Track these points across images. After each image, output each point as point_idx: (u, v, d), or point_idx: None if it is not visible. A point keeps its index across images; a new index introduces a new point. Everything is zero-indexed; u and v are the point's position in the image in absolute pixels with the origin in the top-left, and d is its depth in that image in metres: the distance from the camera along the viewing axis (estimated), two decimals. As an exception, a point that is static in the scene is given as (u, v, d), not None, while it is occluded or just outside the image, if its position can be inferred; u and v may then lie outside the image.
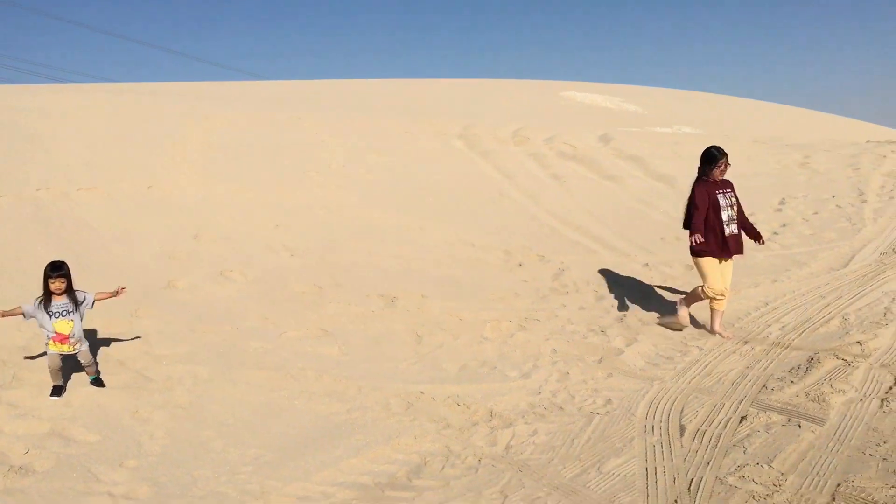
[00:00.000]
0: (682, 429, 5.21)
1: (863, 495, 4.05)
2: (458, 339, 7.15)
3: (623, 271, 9.38)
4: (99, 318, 6.62)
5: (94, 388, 5.67)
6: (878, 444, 4.69)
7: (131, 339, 6.54)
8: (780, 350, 6.71)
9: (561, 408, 5.73)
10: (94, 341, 6.29)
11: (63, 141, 11.58)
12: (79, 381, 5.76)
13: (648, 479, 4.52)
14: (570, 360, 6.73)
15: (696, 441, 4.99)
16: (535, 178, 13.73)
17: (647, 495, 4.32)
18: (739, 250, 7.47)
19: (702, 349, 6.94)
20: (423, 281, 8.66)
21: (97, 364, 5.85)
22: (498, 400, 5.86)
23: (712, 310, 7.37)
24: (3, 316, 5.48)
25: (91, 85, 34.31)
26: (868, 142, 20.35)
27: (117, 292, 5.84)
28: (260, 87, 35.66)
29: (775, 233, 11.33)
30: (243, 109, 18.13)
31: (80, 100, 16.85)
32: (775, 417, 5.25)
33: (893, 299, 7.92)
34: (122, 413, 5.36)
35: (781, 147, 18.85)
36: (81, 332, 5.65)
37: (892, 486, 4.09)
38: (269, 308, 7.58)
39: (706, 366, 6.49)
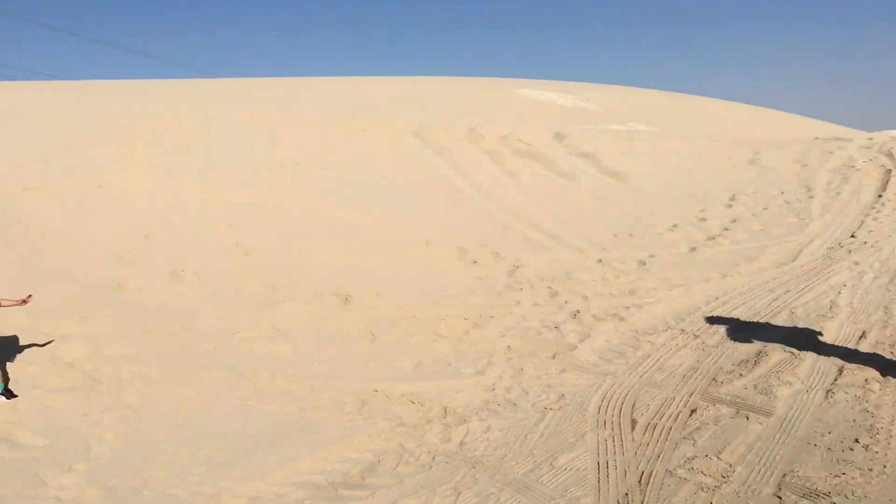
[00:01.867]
0: (634, 423, 5.27)
1: (807, 485, 4.14)
2: (412, 337, 7.14)
3: (577, 267, 9.46)
4: (47, 321, 6.48)
5: (35, 391, 5.52)
6: (823, 435, 4.79)
7: (80, 341, 6.41)
8: (730, 343, 6.82)
9: (515, 404, 5.76)
10: (42, 344, 6.16)
11: (9, 140, 11.31)
12: (26, 383, 5.63)
13: (600, 472, 4.57)
14: (524, 356, 6.77)
15: (647, 434, 5.06)
16: (490, 175, 13.77)
17: (599, 489, 4.37)
18: None
19: (653, 344, 7.03)
20: (378, 279, 8.64)
21: (7, 374, 5.61)
22: (452, 397, 5.87)
23: None
24: None
25: (38, 82, 33.52)
26: (816, 138, 20.77)
27: (25, 301, 5.61)
28: (212, 85, 35.13)
29: (726, 228, 11.52)
30: (194, 107, 17.88)
31: (26, 97, 16.46)
32: (724, 410, 5.34)
33: (839, 293, 8.10)
34: (71, 416, 5.26)
35: (732, 144, 19.17)
36: None
37: (836, 476, 4.19)
38: (222, 308, 7.49)
39: (658, 360, 6.58)
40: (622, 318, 7.80)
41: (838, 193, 13.53)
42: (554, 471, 4.63)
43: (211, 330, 6.97)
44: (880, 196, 13.22)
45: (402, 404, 5.70)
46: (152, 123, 13.85)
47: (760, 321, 7.39)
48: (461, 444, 5.09)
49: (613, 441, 4.99)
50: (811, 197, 13.38)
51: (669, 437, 4.96)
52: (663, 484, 4.36)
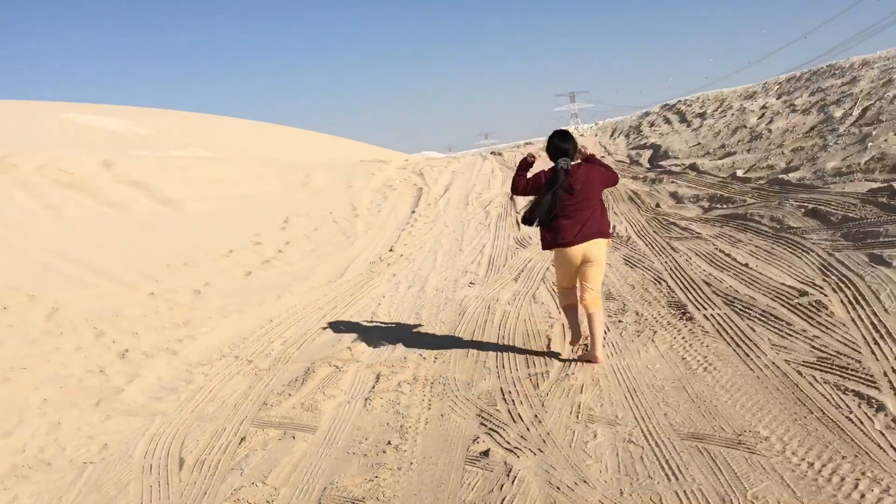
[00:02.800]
0: (182, 462, 5.09)
1: (345, 494, 4.35)
2: (-80, 406, 6.08)
3: (126, 303, 8.93)
4: None
5: None
6: (361, 442, 5.10)
7: None
8: (281, 365, 6.97)
9: (49, 464, 5.21)
10: None
11: None
12: None
13: (143, 523, 4.31)
14: (63, 407, 6.17)
15: (195, 472, 4.91)
16: (23, 209, 12.38)
17: (141, 541, 4.12)
18: None
19: (207, 375, 6.92)
20: None
21: None
22: (-31, 469, 5.10)
23: None
24: None
25: None
26: (361, 161, 22.49)
27: None
28: None
29: (280, 251, 11.84)
30: None
31: None
32: (273, 433, 5.42)
33: (379, 303, 8.79)
34: None
35: (286, 167, 19.85)
36: None
37: (370, 480, 4.48)
38: None
39: (210, 391, 6.47)
40: (175, 352, 7.55)
41: (379, 211, 14.76)
42: (91, 531, 4.26)
43: None
44: (413, 212, 14.72)
45: None
46: None
47: (310, 339, 7.69)
48: (-21, 523, 4.44)
49: (159, 485, 4.76)
50: (356, 216, 14.40)
51: (218, 471, 4.87)
52: (209, 521, 4.26)
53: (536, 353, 6.33)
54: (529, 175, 6.08)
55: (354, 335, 7.62)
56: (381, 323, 8.02)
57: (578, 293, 6.08)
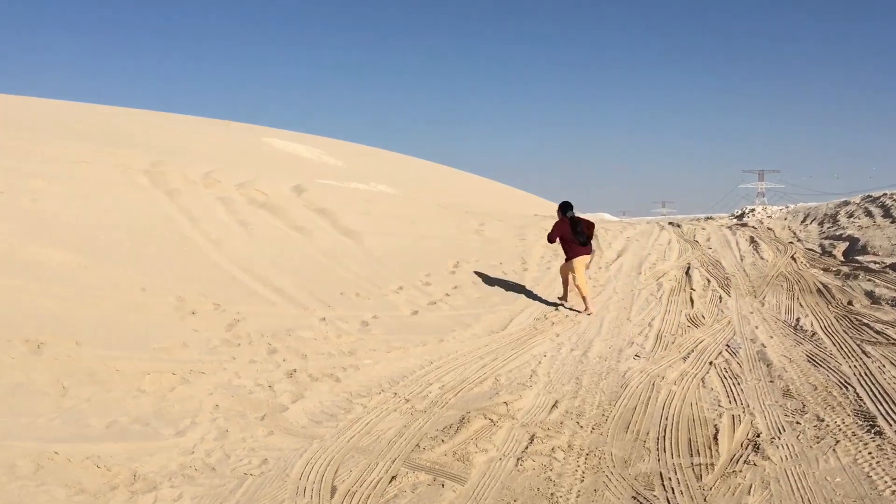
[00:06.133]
0: (334, 490, 5.21)
1: (488, 553, 4.29)
2: (110, 392, 6.60)
3: (299, 324, 9.36)
4: None
5: None
6: (510, 502, 5.03)
7: None
8: (437, 409, 7.03)
9: (214, 469, 5.48)
10: None
11: None
12: None
13: (292, 544, 4.43)
14: (231, 416, 6.51)
15: (345, 502, 5.01)
16: (220, 223, 13.32)
17: (288, 562, 4.23)
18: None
19: (365, 407, 7.08)
20: (80, 326, 7.93)
21: None
22: (145, 461, 5.47)
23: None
24: None
25: None
26: (535, 215, 22.58)
27: None
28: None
29: (447, 294, 12.02)
30: None
31: None
32: (423, 477, 5.45)
33: (539, 362, 8.69)
34: None
35: (462, 213, 20.24)
36: None
37: (515, 543, 4.40)
38: None
39: (367, 424, 6.61)
40: (338, 380, 7.79)
41: (549, 268, 14.68)
42: (244, 543, 4.43)
43: None
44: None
45: (85, 468, 5.20)
46: None
47: (468, 387, 7.72)
48: (146, 513, 4.73)
49: (310, 509, 4.89)
50: (525, 269, 14.41)
51: (366, 506, 4.95)
52: (353, 555, 4.31)
53: (701, 442, 6.02)
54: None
55: (512, 391, 7.57)
56: (541, 382, 7.92)
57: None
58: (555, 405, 7.14)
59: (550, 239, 11.90)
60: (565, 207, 11.99)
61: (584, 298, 11.63)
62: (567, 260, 11.91)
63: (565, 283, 12.27)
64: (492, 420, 6.64)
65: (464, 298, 11.90)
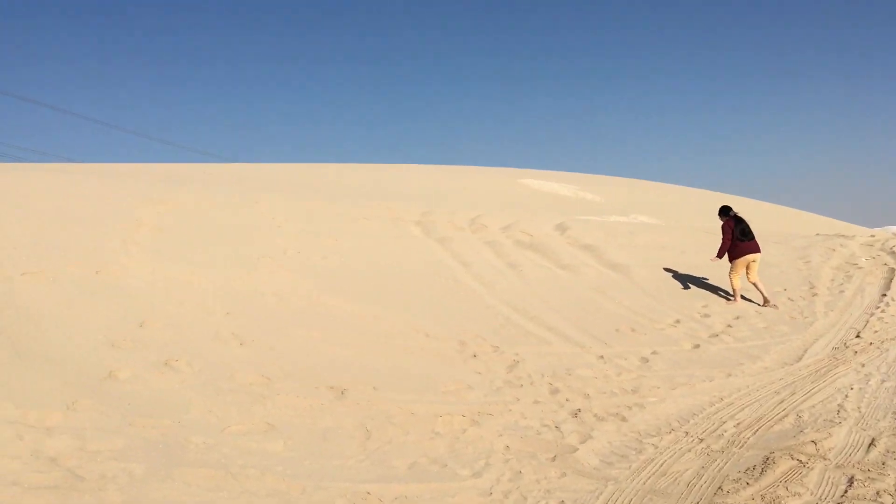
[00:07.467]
0: (637, 535, 5.03)
1: None
2: (408, 435, 6.94)
3: (577, 363, 9.30)
4: (34, 412, 6.30)
5: (14, 488, 5.32)
6: (836, 553, 4.56)
7: (66, 434, 6.21)
8: (735, 449, 6.61)
9: (513, 511, 5.52)
10: (21, 436, 5.95)
11: (8, 223, 11.30)
12: (6, 479, 5.41)
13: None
14: (522, 457, 6.56)
15: (651, 548, 4.82)
16: (491, 266, 13.72)
17: None
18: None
19: (657, 447, 6.82)
20: (375, 372, 8.47)
21: None
22: (447, 501, 5.64)
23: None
24: None
25: (41, 164, 33.89)
26: (818, 235, 20.85)
27: None
28: (217, 170, 35.57)
29: (729, 325, 11.40)
30: (198, 191, 18.00)
31: (26, 179, 16.58)
32: (731, 523, 5.11)
33: (846, 396, 7.91)
34: (47, 516, 5.03)
35: (733, 238, 19.18)
36: None
37: None
38: (214, 400, 7.30)
39: (661, 465, 6.36)
40: (624, 419, 7.60)
41: (842, 292, 13.44)
42: (553, 588, 4.38)
43: (200, 424, 6.77)
44: (884, 295, 13.12)
45: (396, 509, 5.46)
46: (154, 208, 13.90)
47: (766, 425, 7.19)
48: (456, 554, 4.85)
49: (616, 555, 4.75)
50: (814, 294, 13.29)
51: (675, 553, 4.72)
52: None
53: None
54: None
55: (819, 428, 6.93)
56: (851, 418, 7.18)
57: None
58: (872, 443, 6.43)
59: (725, 247, 12.91)
60: (727, 210, 13.22)
61: (761, 293, 12.62)
62: (733, 260, 12.78)
63: (736, 287, 12.89)
64: (800, 461, 6.10)
65: (748, 329, 11.21)
